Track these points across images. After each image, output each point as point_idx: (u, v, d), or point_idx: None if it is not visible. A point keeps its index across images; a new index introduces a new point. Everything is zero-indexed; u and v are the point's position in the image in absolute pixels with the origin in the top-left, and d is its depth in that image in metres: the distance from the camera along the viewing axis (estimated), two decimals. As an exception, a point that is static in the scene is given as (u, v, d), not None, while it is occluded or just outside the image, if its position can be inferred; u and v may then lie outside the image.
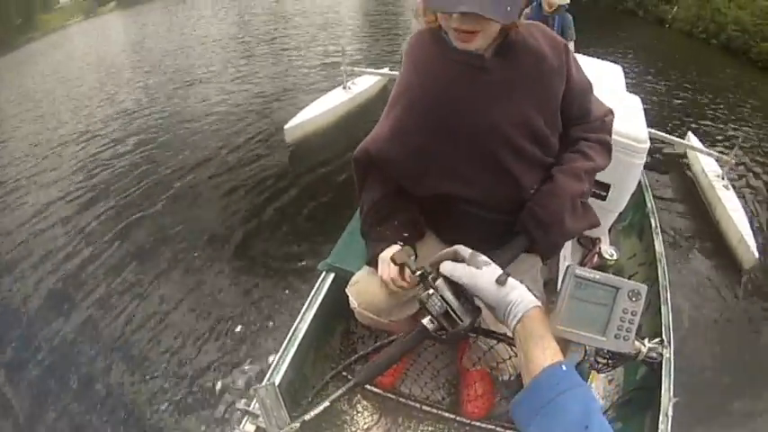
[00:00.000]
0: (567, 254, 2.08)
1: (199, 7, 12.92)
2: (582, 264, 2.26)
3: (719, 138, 5.38)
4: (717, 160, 4.09)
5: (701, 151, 4.21)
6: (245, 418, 1.30)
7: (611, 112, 1.30)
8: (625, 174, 2.03)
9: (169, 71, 7.27)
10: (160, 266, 3.08)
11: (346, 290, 1.42)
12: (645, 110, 2.25)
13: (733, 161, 3.89)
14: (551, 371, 0.68)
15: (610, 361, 0.85)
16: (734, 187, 3.87)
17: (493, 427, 1.54)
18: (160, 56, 8.31)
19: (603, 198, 2.09)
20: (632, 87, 3.39)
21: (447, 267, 0.86)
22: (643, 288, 0.77)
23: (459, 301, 0.85)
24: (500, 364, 1.24)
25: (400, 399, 1.62)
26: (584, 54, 2.84)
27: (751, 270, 3.20)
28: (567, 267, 0.79)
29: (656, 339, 0.84)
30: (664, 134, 3.99)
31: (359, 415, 1.64)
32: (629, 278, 0.82)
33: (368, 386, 1.61)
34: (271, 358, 1.62)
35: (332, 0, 12.48)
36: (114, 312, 2.72)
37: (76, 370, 2.40)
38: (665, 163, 4.58)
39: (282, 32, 9.33)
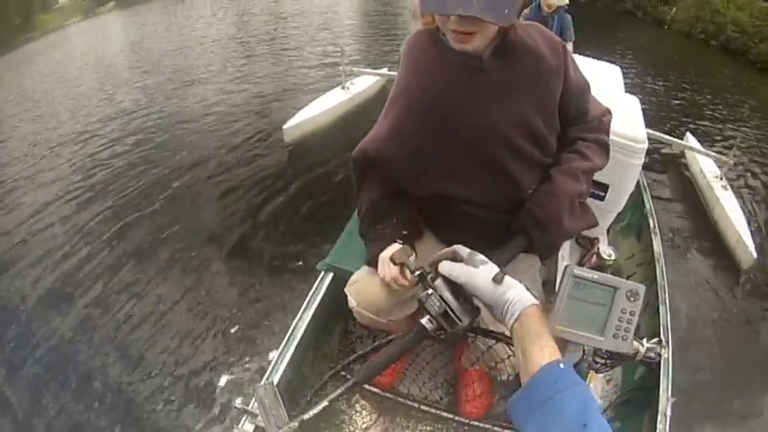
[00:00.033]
0: (566, 254, 2.08)
1: (198, 7, 12.91)
2: (580, 264, 2.26)
3: (718, 138, 5.39)
4: (715, 161, 4.09)
5: (700, 152, 4.21)
6: (244, 418, 1.30)
7: (608, 112, 1.30)
8: (623, 174, 2.03)
9: (168, 71, 7.26)
10: (158, 266, 3.07)
11: (345, 289, 1.42)
12: (643, 110, 2.26)
13: (731, 162, 3.90)
14: (549, 369, 0.68)
15: (608, 361, 0.85)
16: (732, 188, 3.87)
17: (491, 426, 1.54)
18: (159, 56, 8.30)
19: (602, 198, 2.09)
20: (631, 88, 3.41)
21: (445, 267, 0.86)
22: (641, 288, 0.77)
23: (457, 300, 0.85)
24: (498, 364, 1.24)
25: (399, 398, 1.62)
26: (582, 55, 2.85)
27: (749, 270, 3.20)
28: (566, 267, 0.79)
29: (655, 339, 0.84)
30: (662, 135, 3.99)
31: (357, 414, 1.64)
32: (627, 278, 0.82)
33: (366, 386, 1.60)
34: (271, 355, 1.62)
35: (331, 0, 12.48)
36: (112, 312, 2.72)
37: (74, 369, 2.40)
38: (663, 163, 4.59)
39: (281, 32, 9.33)
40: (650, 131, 2.88)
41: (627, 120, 2.04)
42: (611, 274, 0.80)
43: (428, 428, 1.59)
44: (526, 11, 4.18)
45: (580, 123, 1.23)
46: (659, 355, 0.84)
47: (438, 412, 1.59)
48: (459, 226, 1.24)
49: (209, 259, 3.13)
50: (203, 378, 2.31)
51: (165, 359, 2.43)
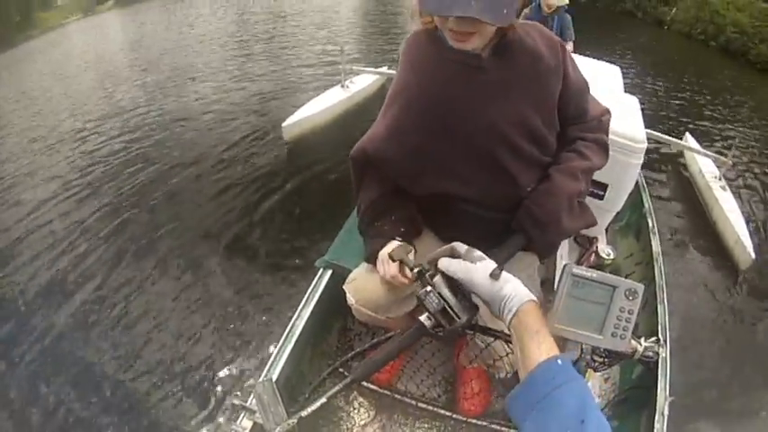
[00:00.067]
0: (565, 253, 2.09)
1: (197, 5, 12.90)
2: (579, 262, 2.27)
3: (717, 139, 5.40)
4: (714, 161, 4.10)
5: (699, 152, 4.22)
6: (243, 414, 1.30)
7: (607, 111, 1.31)
8: (623, 174, 2.04)
9: (167, 69, 7.25)
10: (156, 262, 3.07)
11: (344, 287, 1.42)
12: (643, 110, 2.26)
13: (730, 162, 3.91)
14: (547, 365, 0.68)
15: (606, 359, 0.86)
16: (731, 188, 3.88)
17: (489, 424, 1.54)
18: (158, 54, 8.29)
19: (601, 197, 2.09)
20: (630, 88, 3.41)
21: (443, 263, 0.86)
22: (640, 287, 0.77)
23: (456, 297, 0.85)
24: (497, 362, 1.24)
25: (397, 396, 1.63)
26: (582, 54, 2.85)
27: (747, 270, 3.21)
28: (565, 266, 0.79)
29: (653, 339, 0.84)
30: (661, 135, 4.00)
31: (355, 411, 1.64)
32: (625, 277, 0.82)
33: (365, 383, 1.61)
34: (268, 351, 1.62)
35: (331, 0, 12.48)
36: (109, 308, 2.72)
37: (71, 365, 2.40)
38: (662, 163, 4.60)
39: (281, 31, 9.33)
40: (649, 131, 2.89)
41: (626, 119, 2.05)
42: (610, 273, 0.80)
43: (426, 426, 1.60)
44: (526, 10, 4.19)
45: (579, 123, 1.24)
46: (657, 354, 0.84)
47: (436, 410, 1.59)
48: (458, 224, 1.24)
49: (207, 256, 3.13)
50: (200, 374, 2.32)
51: (162, 355, 2.43)
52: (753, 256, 3.16)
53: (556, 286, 0.80)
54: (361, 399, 1.67)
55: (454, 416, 1.57)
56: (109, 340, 2.53)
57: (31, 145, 5.05)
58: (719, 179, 3.91)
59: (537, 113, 1.13)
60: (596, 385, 1.82)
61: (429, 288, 0.86)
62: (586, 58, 2.77)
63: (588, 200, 1.33)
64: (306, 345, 1.65)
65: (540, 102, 1.14)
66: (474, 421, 1.55)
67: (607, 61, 2.95)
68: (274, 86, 6.23)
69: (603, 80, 2.57)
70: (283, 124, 4.39)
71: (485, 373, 1.58)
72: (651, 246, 2.21)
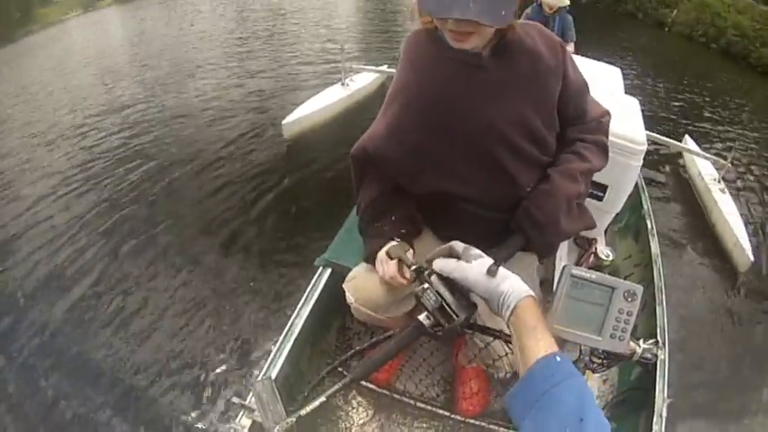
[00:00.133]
0: (564, 254, 2.08)
1: (197, 2, 12.83)
2: (578, 264, 2.27)
3: (716, 141, 5.40)
4: (713, 163, 4.11)
5: (698, 154, 4.22)
6: (242, 413, 1.30)
7: (607, 113, 1.31)
8: (622, 175, 2.04)
9: (167, 65, 7.22)
10: (155, 258, 3.06)
11: (343, 285, 1.42)
12: (643, 112, 2.26)
13: (729, 164, 3.91)
14: (545, 362, 0.68)
15: (605, 361, 0.86)
16: (730, 190, 3.88)
17: (487, 424, 1.54)
18: (158, 50, 8.26)
19: (600, 199, 2.09)
20: (631, 89, 3.41)
21: (437, 264, 0.86)
22: (639, 289, 0.78)
23: (454, 296, 0.85)
24: (496, 362, 1.25)
25: (395, 395, 1.63)
26: (583, 55, 2.85)
27: (746, 273, 3.21)
28: (564, 267, 0.79)
29: (651, 340, 0.84)
30: (661, 136, 4.00)
31: (354, 411, 1.64)
32: (624, 279, 0.82)
33: (363, 382, 1.61)
34: (267, 350, 1.62)
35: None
36: (107, 303, 2.71)
37: (69, 360, 2.40)
38: (661, 165, 4.60)
39: (281, 28, 9.29)
40: (649, 133, 2.88)
41: (626, 121, 2.05)
42: (609, 274, 0.80)
43: (424, 425, 1.60)
44: (527, 11, 4.19)
45: (579, 124, 1.24)
46: (656, 355, 0.84)
47: (434, 410, 1.59)
48: (457, 223, 1.24)
49: (206, 252, 3.12)
50: (196, 370, 2.31)
51: (159, 351, 2.42)
52: (751, 258, 3.16)
53: (555, 287, 0.80)
54: (359, 398, 1.67)
55: (453, 415, 1.57)
56: (107, 335, 2.53)
57: (30, 140, 5.02)
58: (719, 181, 3.91)
59: (536, 113, 1.13)
60: (595, 386, 1.82)
61: (426, 285, 0.86)
62: (587, 59, 2.77)
63: (588, 201, 1.33)
64: (305, 343, 1.65)
65: (539, 102, 1.14)
66: (472, 421, 1.55)
67: (607, 62, 2.94)
68: (274, 84, 6.21)
69: (604, 81, 2.56)
70: (283, 122, 4.38)
71: (483, 372, 1.58)
72: (650, 247, 2.21)
